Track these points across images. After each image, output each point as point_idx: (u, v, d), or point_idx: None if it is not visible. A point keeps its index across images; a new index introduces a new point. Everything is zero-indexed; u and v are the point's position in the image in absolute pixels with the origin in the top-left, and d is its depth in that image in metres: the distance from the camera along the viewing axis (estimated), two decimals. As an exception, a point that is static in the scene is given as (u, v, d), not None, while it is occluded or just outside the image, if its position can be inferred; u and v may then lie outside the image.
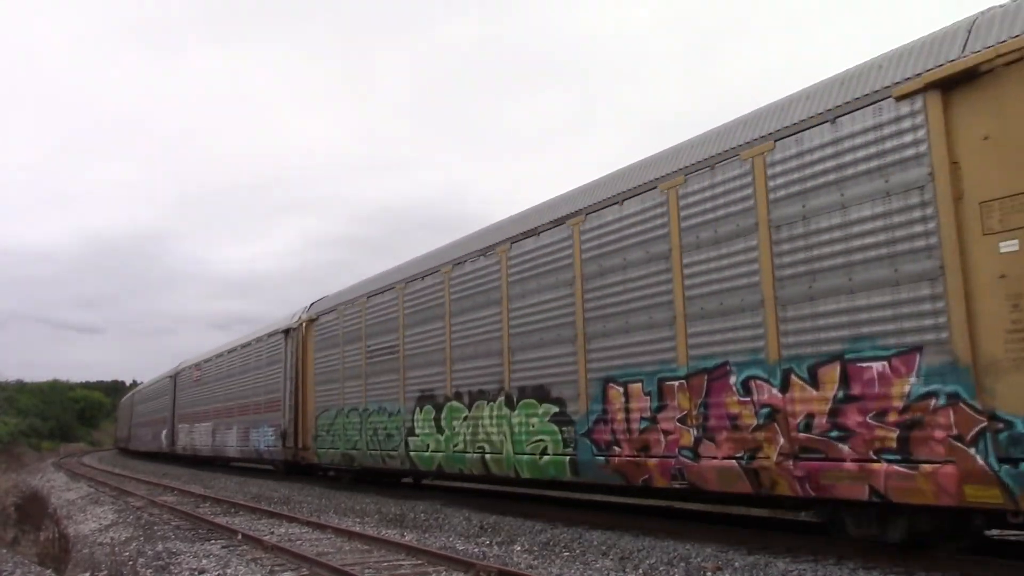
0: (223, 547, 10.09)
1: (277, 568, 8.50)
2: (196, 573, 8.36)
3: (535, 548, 9.07)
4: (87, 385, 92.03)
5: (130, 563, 9.00)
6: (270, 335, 22.02)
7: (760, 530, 9.03)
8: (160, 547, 10.11)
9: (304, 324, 19.13)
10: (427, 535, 10.46)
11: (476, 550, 9.03)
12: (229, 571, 8.43)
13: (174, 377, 34.93)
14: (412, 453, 13.64)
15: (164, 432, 36.04)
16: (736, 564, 7.41)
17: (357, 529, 10.87)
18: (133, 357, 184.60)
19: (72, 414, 75.87)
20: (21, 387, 72.60)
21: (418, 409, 13.50)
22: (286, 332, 20.42)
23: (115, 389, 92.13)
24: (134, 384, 74.99)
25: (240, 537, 10.62)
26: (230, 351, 26.49)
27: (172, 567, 8.70)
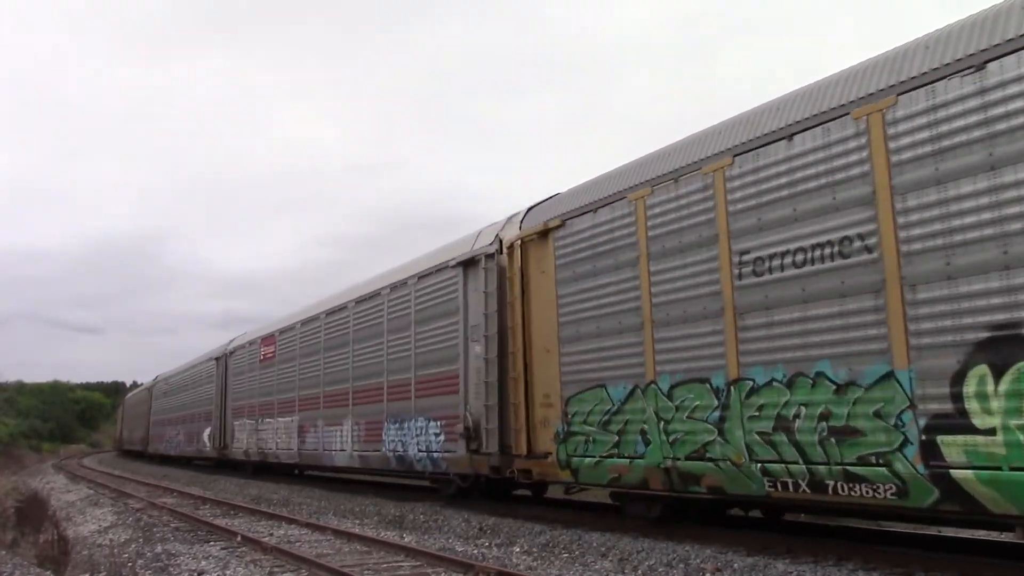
0: (222, 549, 10.09)
1: (276, 569, 8.50)
2: (195, 574, 8.36)
3: (534, 549, 9.06)
4: (87, 386, 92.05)
5: (129, 564, 9.00)
6: (425, 275, 13.87)
7: (759, 531, 9.02)
8: (159, 549, 10.11)
9: (518, 244, 11.18)
10: (426, 536, 10.46)
11: (475, 551, 9.02)
12: (228, 572, 8.43)
13: (222, 359, 27.03)
14: (963, 475, 6.08)
15: (207, 432, 28.09)
16: (735, 565, 7.40)
17: (356, 531, 10.88)
18: (133, 357, 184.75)
19: (72, 415, 75.87)
20: (21, 388, 72.60)
21: (987, 372, 5.97)
22: (467, 263, 12.57)
23: (115, 390, 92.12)
24: (135, 385, 74.81)
25: (239, 539, 10.62)
26: (333, 311, 17.98)
27: (171, 568, 8.70)
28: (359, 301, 16.58)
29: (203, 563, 8.97)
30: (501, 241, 11.86)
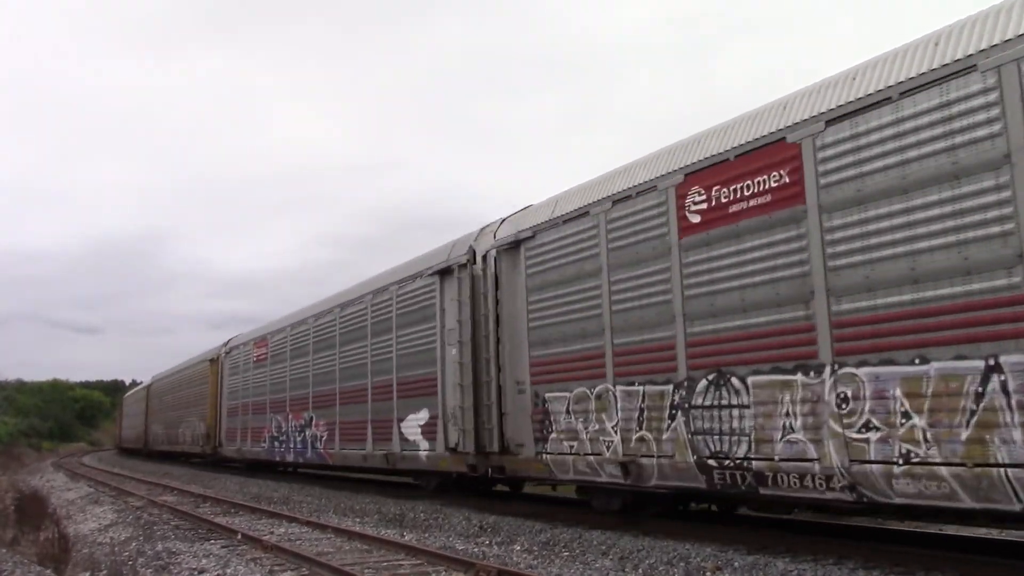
0: (223, 547, 10.10)
1: (277, 568, 8.50)
2: (196, 573, 8.36)
3: (535, 548, 9.07)
4: (87, 385, 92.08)
5: (130, 563, 9.01)
6: None
7: (760, 530, 9.03)
8: (160, 547, 10.11)
9: None
10: (427, 535, 10.46)
11: (476, 550, 9.04)
12: (229, 571, 8.43)
13: (466, 267, 12.53)
14: None
15: (417, 420, 13.96)
16: (736, 564, 7.42)
17: (357, 529, 10.88)
18: (133, 357, 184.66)
19: (72, 414, 75.87)
20: (21, 387, 72.63)
21: None
22: None
23: (115, 389, 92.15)
24: (134, 384, 74.66)
25: (240, 537, 10.63)
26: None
27: (172, 567, 8.70)
28: None
29: (204, 561, 8.98)
30: None
